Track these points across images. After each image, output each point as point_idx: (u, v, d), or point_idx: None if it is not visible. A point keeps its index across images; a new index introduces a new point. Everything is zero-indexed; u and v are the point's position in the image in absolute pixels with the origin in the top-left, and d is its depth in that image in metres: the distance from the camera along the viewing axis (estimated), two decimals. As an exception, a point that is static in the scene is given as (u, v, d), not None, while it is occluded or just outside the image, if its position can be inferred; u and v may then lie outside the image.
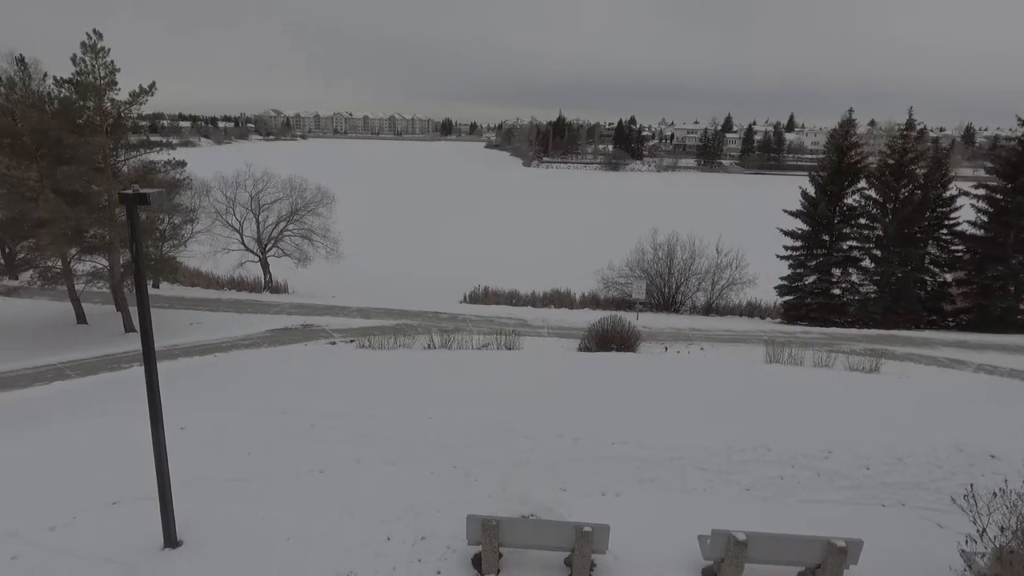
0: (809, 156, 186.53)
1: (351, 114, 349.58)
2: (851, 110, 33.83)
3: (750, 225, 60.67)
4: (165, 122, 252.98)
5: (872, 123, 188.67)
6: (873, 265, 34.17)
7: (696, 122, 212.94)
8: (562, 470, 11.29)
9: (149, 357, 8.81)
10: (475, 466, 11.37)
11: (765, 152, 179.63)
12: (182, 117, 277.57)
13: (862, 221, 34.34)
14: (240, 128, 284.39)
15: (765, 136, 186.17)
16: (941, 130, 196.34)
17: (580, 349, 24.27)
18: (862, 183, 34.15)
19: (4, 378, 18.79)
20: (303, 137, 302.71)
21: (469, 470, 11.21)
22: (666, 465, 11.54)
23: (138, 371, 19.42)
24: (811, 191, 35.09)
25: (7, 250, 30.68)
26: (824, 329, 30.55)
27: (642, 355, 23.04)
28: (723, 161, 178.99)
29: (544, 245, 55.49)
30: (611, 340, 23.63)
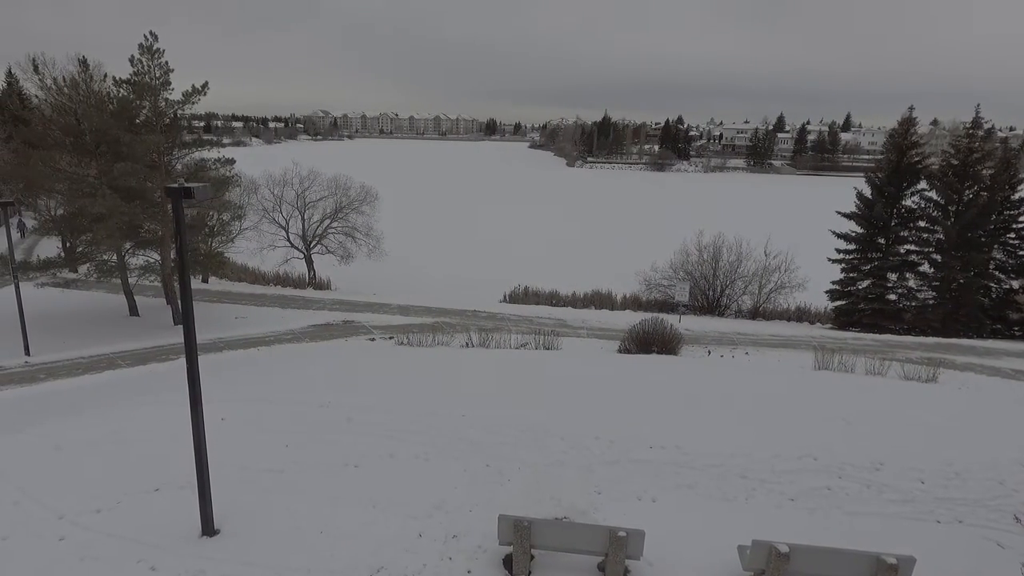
0: (866, 157, 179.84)
1: (396, 114, 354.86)
2: (911, 108, 32.41)
3: (801, 227, 58.72)
4: (218, 122, 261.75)
5: (935, 122, 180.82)
6: (932, 270, 32.62)
7: (746, 121, 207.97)
8: (597, 473, 11.05)
9: (191, 348, 8.97)
10: (508, 465, 11.24)
11: (819, 152, 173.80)
12: (234, 118, 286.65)
13: (921, 224, 32.84)
14: (289, 128, 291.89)
15: (819, 136, 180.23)
16: (1011, 129, 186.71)
17: (620, 351, 23.89)
18: (922, 184, 32.64)
19: (62, 366, 19.64)
20: (350, 137, 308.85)
21: (502, 469, 11.09)
22: (705, 471, 11.17)
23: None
24: (867, 192, 33.72)
25: (68, 244, 32.10)
26: (878, 336, 29.31)
27: (683, 358, 22.53)
28: (774, 162, 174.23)
29: (586, 245, 55.03)
30: (652, 342, 23.19)
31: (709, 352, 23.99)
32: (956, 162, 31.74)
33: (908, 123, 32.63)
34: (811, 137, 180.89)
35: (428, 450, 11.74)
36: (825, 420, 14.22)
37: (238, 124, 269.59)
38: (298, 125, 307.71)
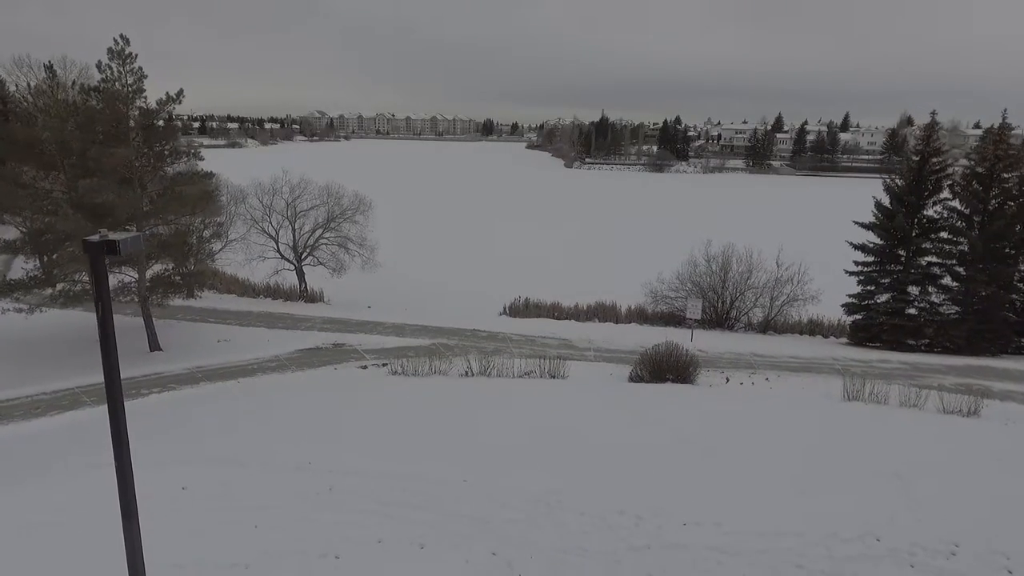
0: (865, 157, 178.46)
1: (393, 115, 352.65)
2: (934, 112, 30.76)
3: (808, 233, 57.02)
4: (214, 124, 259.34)
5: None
6: (956, 284, 30.93)
7: (744, 122, 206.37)
8: (625, 563, 9.28)
9: (121, 453, 7.10)
10: (519, 553, 9.47)
11: (818, 153, 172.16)
12: (230, 119, 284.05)
13: (943, 235, 31.12)
14: (285, 129, 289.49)
15: (818, 136, 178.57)
16: (1011, 129, 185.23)
17: (632, 378, 22.13)
18: (944, 193, 30.93)
19: (19, 404, 17.84)
20: (346, 138, 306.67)
21: (512, 559, 9.31)
22: (753, 560, 9.41)
23: (156, 400, 18.29)
24: (885, 201, 32.01)
25: (45, 259, 30.25)
26: (903, 356, 27.58)
27: (701, 388, 20.81)
28: (773, 162, 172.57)
29: (587, 252, 53.28)
30: (666, 369, 21.43)
31: (727, 379, 22.26)
32: (981, 170, 30.03)
33: (930, 128, 30.88)
34: (810, 137, 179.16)
35: (423, 531, 9.95)
36: (876, 476, 12.49)
37: (233, 125, 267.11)
38: (294, 126, 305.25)
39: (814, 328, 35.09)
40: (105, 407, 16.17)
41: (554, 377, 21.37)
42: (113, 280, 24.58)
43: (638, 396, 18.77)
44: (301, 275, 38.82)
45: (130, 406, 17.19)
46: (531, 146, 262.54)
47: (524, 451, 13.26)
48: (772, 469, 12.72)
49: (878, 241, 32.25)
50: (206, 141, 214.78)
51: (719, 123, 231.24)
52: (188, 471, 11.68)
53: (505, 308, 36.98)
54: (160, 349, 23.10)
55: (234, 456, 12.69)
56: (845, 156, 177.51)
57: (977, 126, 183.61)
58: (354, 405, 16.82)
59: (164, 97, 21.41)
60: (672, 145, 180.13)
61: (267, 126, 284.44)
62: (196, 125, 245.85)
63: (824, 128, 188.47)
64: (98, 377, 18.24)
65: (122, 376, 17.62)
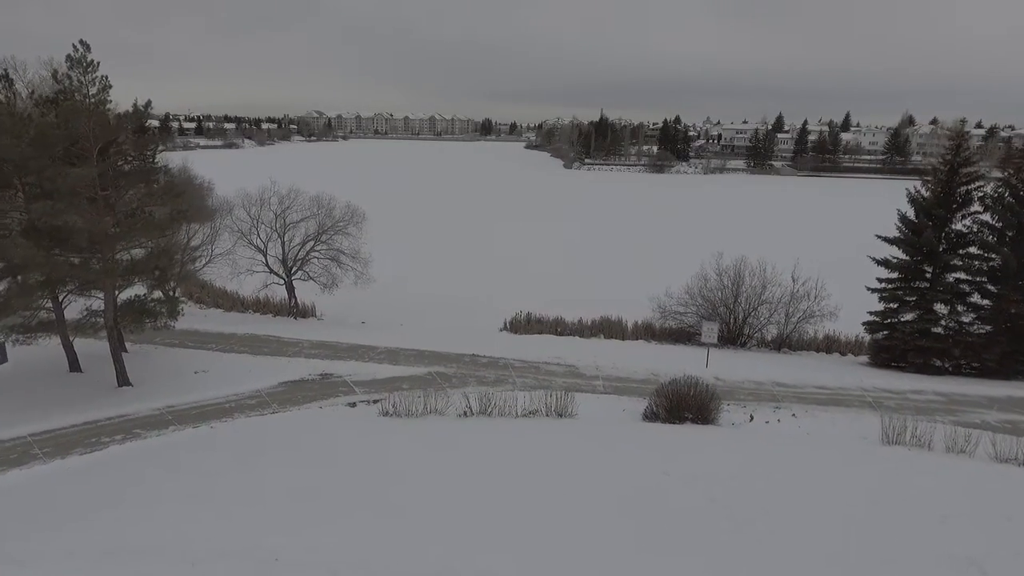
0: (867, 157, 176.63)
1: (391, 115, 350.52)
2: (963, 120, 28.73)
3: (819, 237, 55.20)
4: (211, 124, 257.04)
5: (935, 122, 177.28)
6: (987, 301, 29.00)
7: (745, 121, 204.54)
8: None
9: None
10: None
11: (820, 153, 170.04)
12: (227, 119, 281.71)
13: (973, 250, 29.16)
14: (283, 129, 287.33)
15: (820, 136, 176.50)
16: (1011, 128, 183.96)
17: (646, 416, 20.19)
18: (974, 205, 28.95)
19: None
20: (344, 138, 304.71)
21: None
22: None
23: (115, 453, 16.28)
24: (910, 214, 30.04)
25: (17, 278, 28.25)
26: (936, 385, 25.51)
27: (725, 429, 18.87)
28: (774, 163, 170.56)
29: (590, 260, 51.34)
30: (685, 408, 19.50)
31: (752, 417, 20.31)
32: (1015, 181, 28.06)
33: (960, 137, 28.85)
34: (811, 137, 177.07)
35: (411, 666, 8.02)
36: (946, 563, 10.57)
37: (231, 125, 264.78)
38: (292, 126, 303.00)
39: (830, 345, 33.31)
40: (58, 463, 13.76)
41: (561, 416, 19.46)
42: (80, 304, 22.59)
43: (658, 443, 16.80)
44: (291, 290, 36.85)
45: (87, 460, 15.11)
46: (530, 146, 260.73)
47: (530, 531, 11.30)
48: (826, 557, 10.78)
49: (902, 256, 30.32)
50: (202, 142, 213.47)
51: (719, 123, 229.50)
52: (132, 572, 9.70)
53: (506, 323, 35.18)
54: (129, 384, 21.08)
55: (189, 546, 10.66)
56: (847, 156, 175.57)
57: (979, 126, 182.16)
58: (336, 463, 14.76)
59: (130, 108, 19.43)
60: (672, 145, 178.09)
61: (264, 126, 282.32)
62: (193, 126, 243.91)
63: (825, 128, 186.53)
64: (55, 423, 15.91)
65: (84, 420, 15.24)
